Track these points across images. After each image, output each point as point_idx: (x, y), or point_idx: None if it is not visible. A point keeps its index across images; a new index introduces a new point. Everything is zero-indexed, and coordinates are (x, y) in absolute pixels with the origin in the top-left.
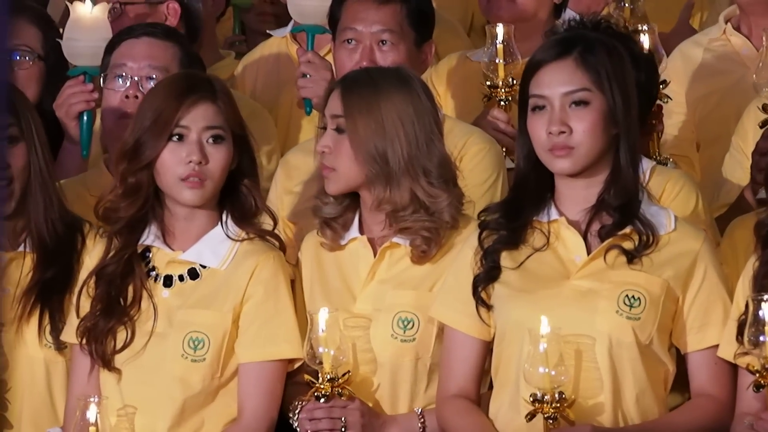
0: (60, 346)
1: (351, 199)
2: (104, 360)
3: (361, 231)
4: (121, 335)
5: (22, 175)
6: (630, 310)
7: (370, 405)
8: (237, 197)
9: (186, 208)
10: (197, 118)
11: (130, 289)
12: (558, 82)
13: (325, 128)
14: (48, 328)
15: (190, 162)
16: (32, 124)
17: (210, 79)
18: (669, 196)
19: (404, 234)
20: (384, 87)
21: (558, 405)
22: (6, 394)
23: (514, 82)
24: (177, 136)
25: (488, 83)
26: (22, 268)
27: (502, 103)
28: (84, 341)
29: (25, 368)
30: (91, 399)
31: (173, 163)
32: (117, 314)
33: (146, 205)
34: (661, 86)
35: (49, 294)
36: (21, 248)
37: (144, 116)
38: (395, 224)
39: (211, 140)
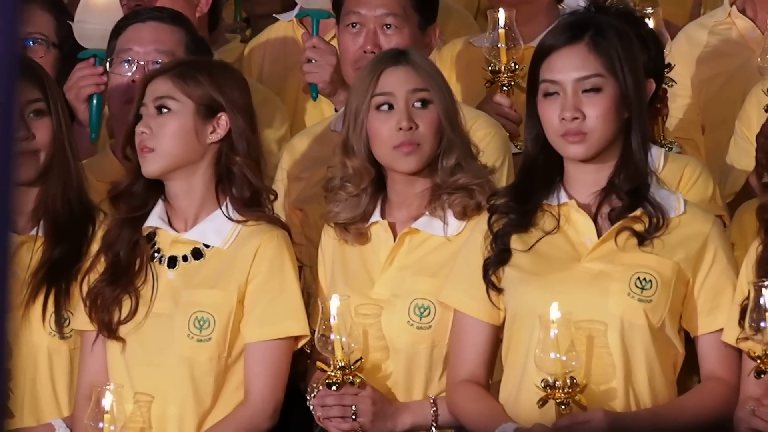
0: (63, 335)
1: (371, 192)
2: (109, 330)
3: (383, 216)
4: (126, 305)
5: (47, 150)
6: (642, 292)
7: (384, 392)
8: (232, 177)
9: (178, 185)
10: (150, 92)
11: (137, 262)
12: (570, 67)
13: (388, 107)
14: (53, 317)
15: (138, 134)
16: (58, 103)
17: (185, 60)
18: (687, 183)
19: (456, 195)
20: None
21: (570, 390)
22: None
23: (517, 66)
24: (140, 116)
25: (490, 68)
26: (33, 252)
27: (505, 88)
28: (93, 312)
29: (28, 355)
30: (107, 387)
31: (136, 138)
32: (123, 284)
33: (138, 174)
34: (665, 70)
35: (55, 276)
36: (33, 232)
37: None
38: (438, 195)
39: (157, 110)
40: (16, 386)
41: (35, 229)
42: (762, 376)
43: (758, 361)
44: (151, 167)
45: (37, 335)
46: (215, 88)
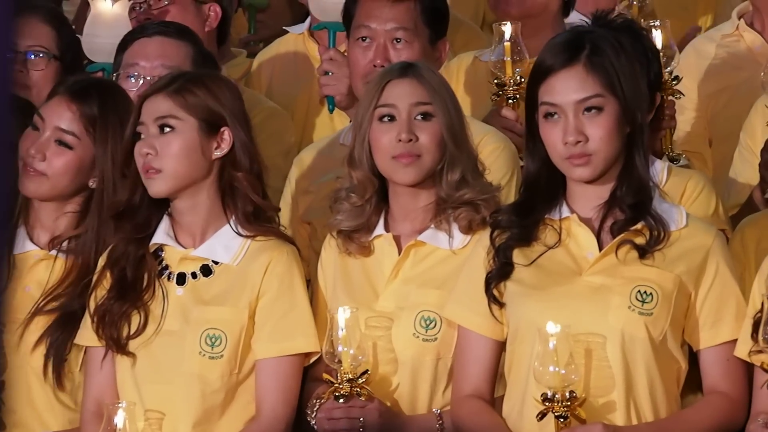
0: (59, 370)
1: (374, 203)
2: (118, 345)
3: (386, 229)
4: (135, 320)
5: (59, 178)
6: (642, 305)
7: (389, 404)
8: (236, 192)
9: (183, 201)
10: (148, 112)
11: (145, 277)
12: (570, 89)
13: (390, 119)
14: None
15: (143, 155)
16: (105, 146)
17: (180, 74)
18: (690, 197)
19: (461, 210)
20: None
21: (569, 404)
22: (3, 395)
23: (522, 79)
24: (138, 134)
25: (496, 81)
26: (51, 272)
27: (510, 101)
28: (101, 329)
29: (21, 373)
30: (119, 404)
31: (137, 159)
32: (131, 299)
33: (136, 190)
34: (674, 82)
35: (62, 326)
36: (54, 252)
37: None
38: (443, 209)
39: (159, 130)
40: (9, 399)
41: (56, 251)
42: None
43: None
44: (158, 188)
45: (30, 356)
46: (215, 101)
